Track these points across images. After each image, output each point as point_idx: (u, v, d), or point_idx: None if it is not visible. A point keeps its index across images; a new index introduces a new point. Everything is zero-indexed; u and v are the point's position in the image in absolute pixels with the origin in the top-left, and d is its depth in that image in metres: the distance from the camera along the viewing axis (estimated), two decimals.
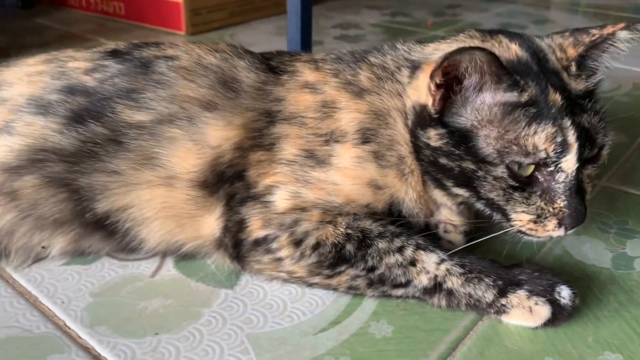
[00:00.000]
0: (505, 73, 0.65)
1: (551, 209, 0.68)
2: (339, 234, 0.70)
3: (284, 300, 0.71)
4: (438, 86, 0.68)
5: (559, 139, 0.65)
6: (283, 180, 0.73)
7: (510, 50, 0.72)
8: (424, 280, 0.69)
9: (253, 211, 0.73)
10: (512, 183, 0.67)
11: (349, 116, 0.75)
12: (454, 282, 0.69)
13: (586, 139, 0.67)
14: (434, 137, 0.70)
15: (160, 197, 0.73)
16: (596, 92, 0.73)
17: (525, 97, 0.66)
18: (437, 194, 0.75)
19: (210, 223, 0.74)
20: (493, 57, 0.63)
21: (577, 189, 0.67)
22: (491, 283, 0.68)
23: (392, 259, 0.70)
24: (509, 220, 0.70)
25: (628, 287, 0.75)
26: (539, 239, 0.71)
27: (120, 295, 0.72)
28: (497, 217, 0.72)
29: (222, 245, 0.74)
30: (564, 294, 0.68)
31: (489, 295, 0.68)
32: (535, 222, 0.69)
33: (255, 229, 0.72)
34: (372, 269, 0.69)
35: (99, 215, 0.73)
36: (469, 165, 0.68)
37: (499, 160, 0.67)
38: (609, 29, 0.72)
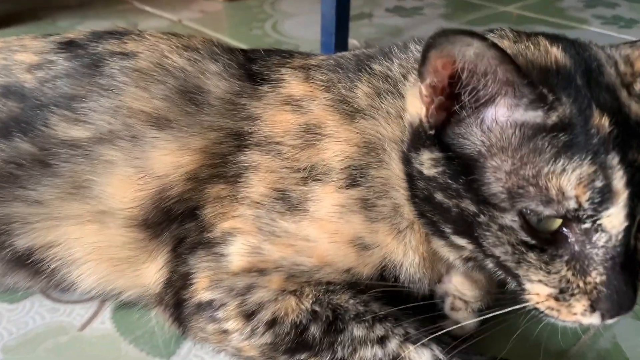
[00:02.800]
0: (527, 83, 0.46)
1: (581, 284, 0.48)
2: (303, 310, 0.54)
3: None
4: (434, 89, 0.49)
5: (598, 184, 0.45)
6: (243, 228, 0.57)
7: (548, 54, 0.51)
8: None
9: (202, 264, 0.57)
10: (526, 239, 0.48)
11: (336, 148, 0.57)
12: None
13: None
14: (427, 162, 0.51)
15: (92, 236, 0.59)
16: None
17: (553, 118, 0.47)
18: (437, 245, 0.57)
19: (151, 274, 0.59)
20: (500, 52, 0.44)
21: (626, 260, 0.47)
22: None
23: (370, 352, 0.52)
24: (522, 290, 0.51)
25: None
26: (563, 323, 0.51)
27: (36, 352, 0.59)
28: (511, 283, 0.53)
29: (163, 302, 0.59)
30: None
31: None
32: (557, 298, 0.49)
33: (201, 288, 0.56)
34: None
35: (19, 252, 0.60)
36: (468, 205, 0.49)
37: (508, 204, 0.47)
38: None
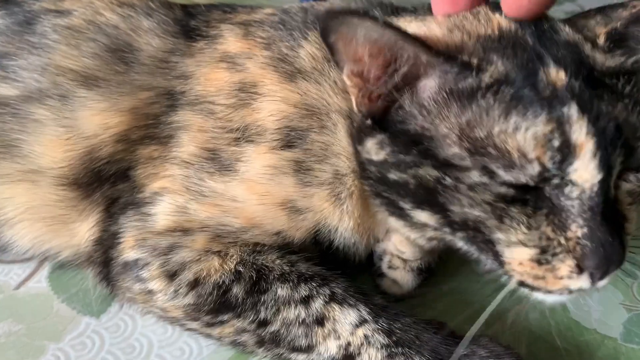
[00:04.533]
0: (445, 59, 0.45)
1: (563, 241, 0.44)
2: (227, 271, 0.53)
3: (152, 341, 0.56)
4: (362, 77, 0.47)
5: (556, 142, 0.42)
6: (171, 188, 0.56)
7: (490, 22, 0.49)
8: (331, 348, 0.51)
9: (130, 223, 0.56)
10: (504, 190, 0.44)
11: (272, 107, 0.55)
12: (371, 357, 0.50)
13: (616, 137, 0.44)
14: (373, 148, 0.50)
15: (23, 196, 0.58)
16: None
17: (486, 79, 0.45)
18: (397, 225, 0.55)
19: (82, 232, 0.59)
20: (398, 33, 0.43)
21: (607, 211, 0.44)
22: None
23: (293, 312, 0.52)
24: (501, 264, 0.48)
25: None
26: (551, 295, 0.47)
27: None
28: (487, 259, 0.50)
29: (93, 260, 0.59)
30: None
31: None
32: (539, 261, 0.45)
33: (127, 247, 0.56)
34: (264, 324, 0.52)
35: None
36: (429, 171, 0.46)
37: (470, 162, 0.45)
38: None
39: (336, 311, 0.52)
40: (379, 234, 0.59)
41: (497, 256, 0.48)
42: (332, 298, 0.52)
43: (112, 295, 0.59)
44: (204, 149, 0.56)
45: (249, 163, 0.55)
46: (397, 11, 0.59)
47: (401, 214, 0.51)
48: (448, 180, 0.45)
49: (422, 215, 0.49)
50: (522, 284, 0.47)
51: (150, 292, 0.55)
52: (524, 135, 0.42)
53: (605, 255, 0.43)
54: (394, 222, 0.54)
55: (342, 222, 0.56)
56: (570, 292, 0.46)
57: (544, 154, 0.42)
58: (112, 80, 0.58)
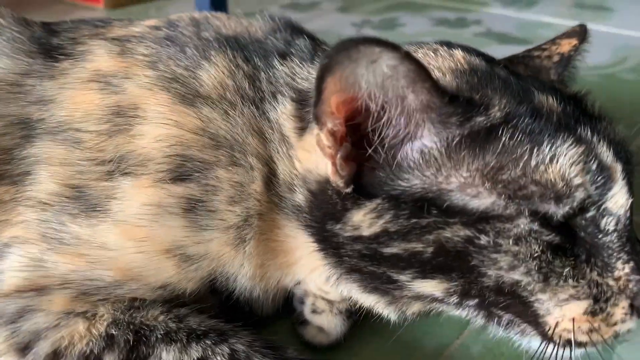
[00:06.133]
0: (449, 100, 0.39)
1: (612, 282, 0.42)
2: (95, 336, 0.42)
3: None
4: (334, 136, 0.40)
5: (593, 165, 0.40)
6: (23, 236, 0.45)
7: (453, 57, 0.46)
8: None
9: None
10: (550, 238, 0.40)
11: (159, 132, 0.46)
12: None
13: (626, 157, 0.43)
14: (366, 220, 0.42)
15: None
16: None
17: (497, 113, 0.41)
18: (366, 300, 0.48)
19: None
20: (417, 66, 0.37)
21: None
22: None
23: None
24: (541, 327, 0.43)
25: None
26: (594, 346, 0.43)
27: None
28: (502, 326, 0.45)
29: None
30: None
31: None
32: (594, 312, 0.42)
33: None
34: None
35: None
36: (457, 232, 0.40)
37: (514, 209, 0.39)
38: (565, 46, 0.54)
39: None
40: (288, 280, 0.51)
41: (536, 319, 0.43)
42: (233, 357, 0.43)
43: None
44: (66, 186, 0.46)
45: (124, 201, 0.45)
46: (231, 44, 0.52)
47: (386, 289, 0.45)
48: (484, 239, 0.40)
49: (427, 285, 0.43)
50: (573, 343, 0.43)
51: None
52: (563, 162, 0.40)
53: None
54: (365, 297, 0.47)
55: (242, 269, 0.47)
56: (617, 336, 0.43)
57: (585, 178, 0.40)
58: None
